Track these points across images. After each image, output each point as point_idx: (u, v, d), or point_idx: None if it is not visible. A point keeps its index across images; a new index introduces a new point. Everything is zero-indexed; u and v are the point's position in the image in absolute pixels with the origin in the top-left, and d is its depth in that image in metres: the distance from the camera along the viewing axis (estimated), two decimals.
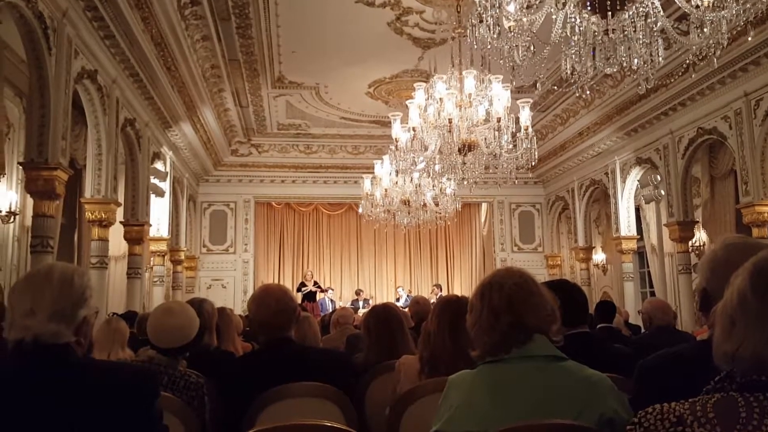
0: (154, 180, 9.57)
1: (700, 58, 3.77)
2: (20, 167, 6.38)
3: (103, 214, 7.12)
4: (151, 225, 9.26)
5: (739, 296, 1.05)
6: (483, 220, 16.06)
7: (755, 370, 1.01)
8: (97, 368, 1.66)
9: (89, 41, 6.49)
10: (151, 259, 10.34)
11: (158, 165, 9.90)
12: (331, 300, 14.07)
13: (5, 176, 7.36)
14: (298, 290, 13.54)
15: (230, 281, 13.80)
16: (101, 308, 7.23)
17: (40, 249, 5.49)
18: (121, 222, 8.23)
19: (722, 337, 1.07)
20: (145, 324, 2.88)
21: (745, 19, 3.38)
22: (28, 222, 6.81)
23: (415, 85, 6.82)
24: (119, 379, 1.59)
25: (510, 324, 1.69)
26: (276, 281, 14.06)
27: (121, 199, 7.83)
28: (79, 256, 9.09)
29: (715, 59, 3.70)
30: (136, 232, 8.49)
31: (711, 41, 3.56)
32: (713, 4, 3.44)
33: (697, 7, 3.49)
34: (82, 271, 1.65)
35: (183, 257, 11.81)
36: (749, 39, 5.81)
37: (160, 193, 10.03)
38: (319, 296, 13.94)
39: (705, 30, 3.56)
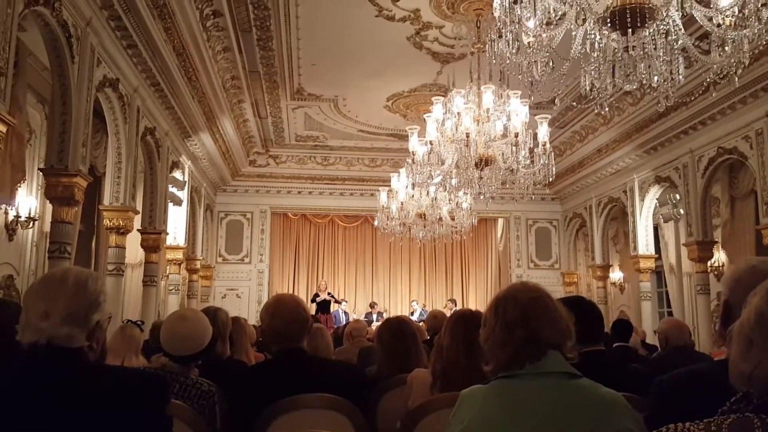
0: (172, 189, 9.65)
1: (721, 77, 3.74)
2: (40, 173, 6.47)
3: (120, 222, 7.18)
4: (168, 233, 9.33)
5: (757, 315, 1.03)
6: (499, 235, 15.99)
7: (766, 387, 0.99)
8: (109, 372, 1.66)
9: (112, 50, 6.59)
10: (167, 267, 10.40)
11: (177, 174, 9.99)
12: (345, 312, 14.04)
13: (26, 182, 7.47)
14: (312, 300, 13.54)
15: (245, 291, 13.84)
16: (116, 315, 7.27)
17: (58, 255, 5.54)
18: (138, 230, 8.29)
19: (739, 357, 1.05)
20: (158, 331, 2.89)
21: (767, 38, 3.35)
22: (47, 228, 6.90)
23: (433, 99, 6.83)
24: (130, 383, 1.59)
25: (524, 338, 1.66)
26: (290, 292, 14.07)
27: (139, 207, 7.90)
28: (96, 262, 9.16)
29: (737, 78, 3.67)
30: (153, 240, 8.55)
31: (732, 60, 3.53)
32: (735, 23, 3.41)
33: (719, 25, 3.47)
34: (96, 275, 1.66)
35: (199, 266, 11.87)
36: None
37: (177, 202, 10.11)
38: (333, 308, 13.92)
39: (726, 49, 3.53)
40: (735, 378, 1.06)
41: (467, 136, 6.06)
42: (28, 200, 7.55)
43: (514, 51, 3.78)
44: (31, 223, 7.62)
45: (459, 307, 13.92)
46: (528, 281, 1.87)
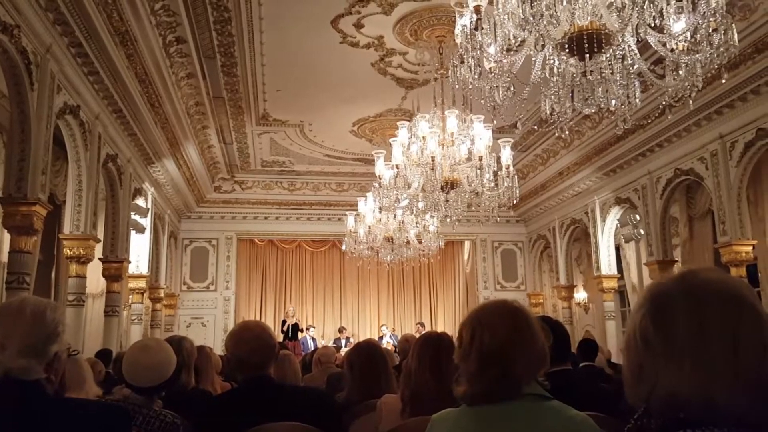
0: (134, 216, 9.50)
1: (676, 100, 3.86)
2: None
3: (81, 251, 7.03)
4: (130, 262, 9.15)
5: (643, 337, 1.01)
6: (466, 257, 16.09)
7: (671, 409, 0.97)
8: (68, 405, 1.61)
9: (72, 77, 6.50)
10: (130, 296, 10.18)
11: (139, 201, 9.83)
12: (313, 338, 13.90)
13: None
14: (282, 331, 13.38)
15: (210, 319, 13.59)
16: (78, 347, 7.07)
17: (16, 285, 5.38)
18: (99, 259, 8.11)
19: (632, 381, 1.03)
20: (120, 362, 2.82)
21: (719, 63, 3.48)
22: (5, 258, 6.70)
23: (398, 123, 6.91)
24: (90, 416, 1.54)
25: (498, 377, 1.62)
26: (258, 319, 13.88)
27: (100, 235, 7.74)
28: (56, 293, 8.92)
29: (691, 101, 3.79)
30: (114, 269, 8.36)
31: (686, 84, 3.65)
32: (688, 48, 3.54)
33: (673, 50, 3.59)
34: (55, 305, 1.61)
35: (162, 295, 11.64)
36: (723, 82, 5.96)
37: (140, 230, 9.94)
38: (300, 335, 13.77)
39: (680, 73, 3.66)
40: (631, 398, 1.04)
41: (432, 160, 6.12)
42: None
43: (476, 76, 3.86)
44: None
45: (428, 329, 13.90)
46: (508, 302, 1.76)
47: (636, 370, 1.02)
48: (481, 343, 1.64)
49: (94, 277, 8.65)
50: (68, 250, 7.05)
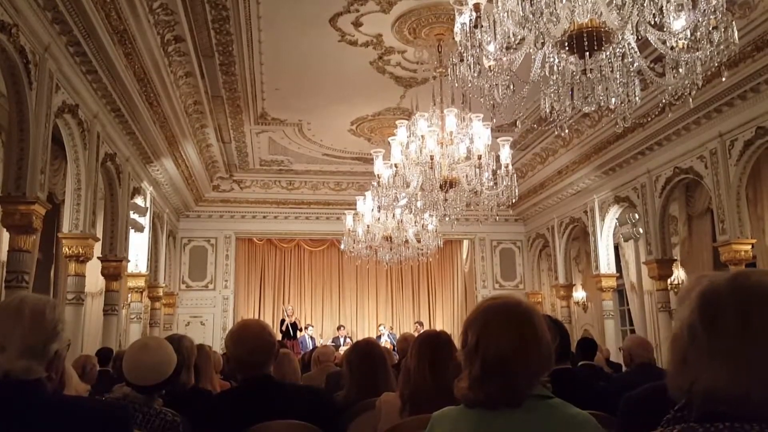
0: (133, 215, 9.48)
1: (676, 98, 3.86)
2: None
3: (80, 250, 7.02)
4: (129, 261, 9.14)
5: (690, 332, 1.05)
6: (465, 256, 16.09)
7: (710, 402, 1.01)
8: (69, 404, 1.60)
9: (71, 76, 6.48)
10: (129, 295, 10.17)
11: (138, 200, 9.82)
12: (312, 337, 13.90)
13: None
14: (280, 330, 13.38)
15: (209, 318, 13.59)
16: (77, 346, 7.06)
17: (15, 284, 5.37)
18: (98, 257, 8.11)
19: (675, 373, 1.07)
20: (120, 361, 2.82)
21: (718, 60, 3.47)
22: (4, 257, 6.68)
23: (397, 122, 6.90)
24: (91, 414, 1.54)
25: (500, 387, 1.60)
26: (256, 318, 13.87)
27: (99, 234, 7.73)
28: (55, 291, 8.91)
29: (691, 99, 3.78)
30: (113, 268, 8.36)
31: (686, 82, 3.65)
32: (688, 45, 3.53)
33: (673, 48, 3.59)
34: (54, 302, 1.60)
35: (161, 294, 11.63)
36: (723, 80, 5.96)
37: (139, 229, 9.93)
38: (299, 334, 13.77)
39: (680, 71, 3.65)
40: (673, 391, 1.08)
41: (431, 159, 6.11)
42: None
43: (475, 74, 3.84)
44: None
45: (426, 328, 13.89)
46: (517, 303, 1.70)
47: (679, 364, 1.05)
48: (486, 352, 1.61)
49: (93, 276, 8.65)
50: (67, 249, 7.04)
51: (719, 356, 1.00)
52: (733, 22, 3.46)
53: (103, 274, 8.41)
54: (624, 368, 5.70)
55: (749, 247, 7.76)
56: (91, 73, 6.76)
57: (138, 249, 9.99)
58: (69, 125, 6.74)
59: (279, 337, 12.42)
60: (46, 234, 7.47)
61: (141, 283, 10.21)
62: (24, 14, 5.26)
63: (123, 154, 8.65)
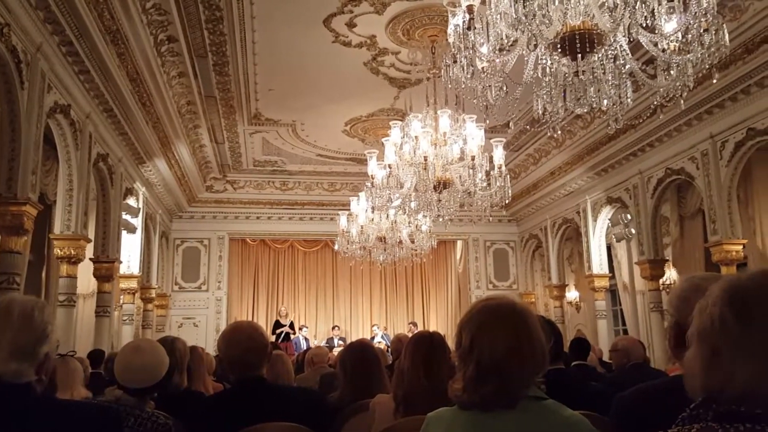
0: (125, 216, 9.44)
1: (668, 99, 3.88)
2: None
3: (72, 251, 6.98)
4: (121, 262, 9.10)
5: (721, 322, 0.99)
6: (458, 257, 16.10)
7: (738, 401, 0.97)
8: (59, 407, 1.60)
9: (63, 76, 6.45)
10: (121, 297, 10.12)
11: (130, 201, 9.78)
12: (305, 338, 13.89)
13: None
14: (273, 332, 13.37)
15: (202, 320, 13.53)
16: (68, 348, 7.01)
17: (6, 286, 5.34)
18: (90, 259, 8.06)
19: (701, 368, 1.01)
20: (112, 363, 2.80)
21: (709, 63, 3.49)
22: None
23: (390, 123, 6.90)
24: (81, 418, 1.53)
25: (494, 390, 1.61)
26: (250, 319, 13.84)
27: (91, 235, 7.70)
28: (47, 293, 8.86)
29: (682, 101, 3.80)
30: (105, 269, 8.31)
31: (678, 83, 3.67)
32: (679, 48, 3.55)
33: (664, 50, 3.61)
34: (43, 304, 1.59)
35: (154, 295, 11.58)
36: (713, 82, 6.00)
37: (131, 230, 9.89)
38: (292, 335, 13.76)
39: (672, 73, 3.67)
40: (694, 390, 1.03)
41: (425, 160, 6.12)
42: None
43: (468, 76, 3.86)
44: None
45: (420, 329, 13.90)
46: (512, 305, 1.70)
47: (707, 359, 1.00)
48: (481, 353, 1.62)
49: (85, 278, 8.60)
50: (59, 250, 7.00)
51: (753, 354, 0.96)
52: (724, 25, 3.49)
53: (95, 275, 8.37)
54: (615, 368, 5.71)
55: (740, 247, 7.81)
56: (84, 73, 6.73)
57: (130, 250, 9.95)
58: (61, 125, 6.71)
59: (272, 339, 12.43)
60: (37, 235, 7.44)
61: (133, 284, 10.16)
62: (16, 13, 5.23)
63: (115, 154, 8.61)
